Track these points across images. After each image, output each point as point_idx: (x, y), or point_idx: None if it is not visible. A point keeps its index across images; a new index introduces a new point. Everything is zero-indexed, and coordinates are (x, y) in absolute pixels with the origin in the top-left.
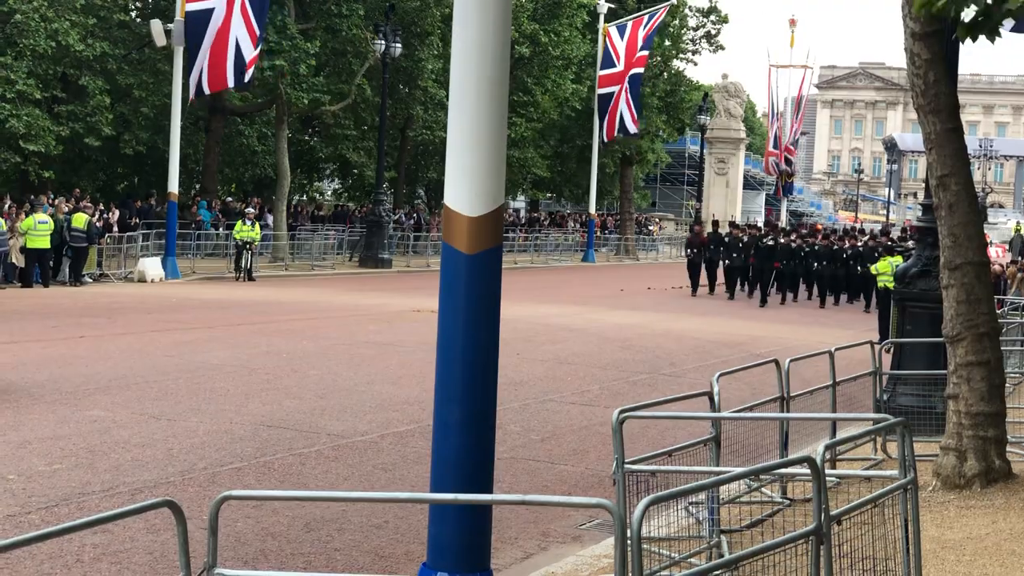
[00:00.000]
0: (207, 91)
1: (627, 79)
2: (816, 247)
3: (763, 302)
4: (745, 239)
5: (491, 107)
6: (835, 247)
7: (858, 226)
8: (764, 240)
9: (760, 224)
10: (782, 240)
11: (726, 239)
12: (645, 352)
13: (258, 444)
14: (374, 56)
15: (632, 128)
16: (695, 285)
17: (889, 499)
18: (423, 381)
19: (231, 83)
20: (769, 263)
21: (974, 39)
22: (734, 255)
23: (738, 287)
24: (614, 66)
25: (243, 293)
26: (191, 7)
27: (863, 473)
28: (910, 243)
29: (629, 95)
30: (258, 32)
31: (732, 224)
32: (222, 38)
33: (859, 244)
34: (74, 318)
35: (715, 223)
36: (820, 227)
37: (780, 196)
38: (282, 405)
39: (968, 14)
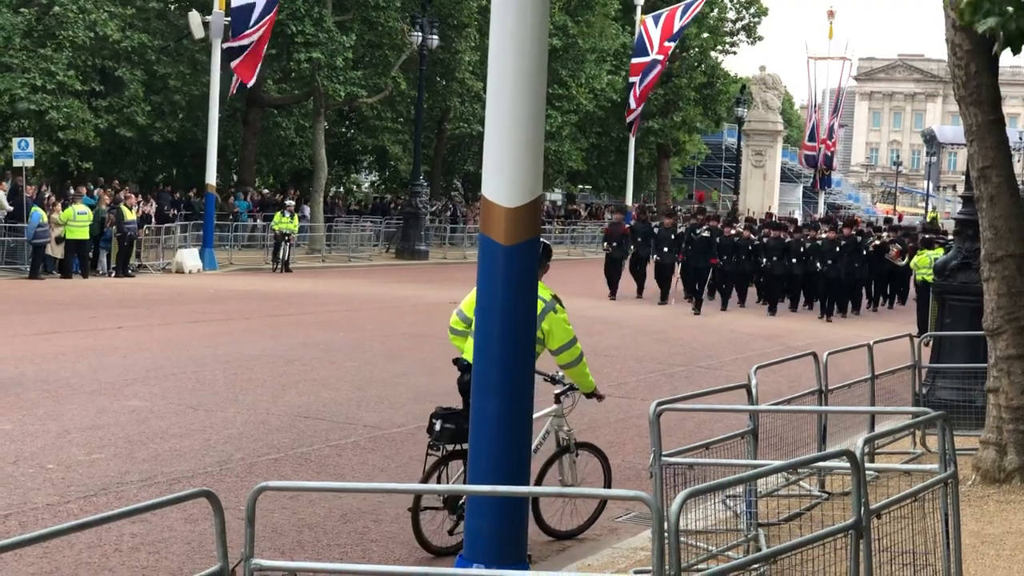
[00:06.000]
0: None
1: (647, 66)
2: (765, 240)
3: (696, 309)
4: (679, 230)
5: (529, 99)
6: (788, 240)
7: (871, 218)
8: (699, 231)
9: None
10: (725, 231)
11: (655, 230)
12: (681, 344)
13: (295, 435)
14: (411, 48)
15: (632, 104)
16: (614, 287)
17: (929, 493)
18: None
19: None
20: (705, 259)
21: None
22: (664, 249)
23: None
24: (647, 54)
25: (280, 284)
26: (236, 1)
27: (902, 467)
28: (885, 234)
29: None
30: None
31: (667, 212)
32: (264, 37)
33: (819, 237)
34: (112, 309)
35: (644, 209)
36: (859, 220)
37: (817, 189)
38: (319, 396)
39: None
